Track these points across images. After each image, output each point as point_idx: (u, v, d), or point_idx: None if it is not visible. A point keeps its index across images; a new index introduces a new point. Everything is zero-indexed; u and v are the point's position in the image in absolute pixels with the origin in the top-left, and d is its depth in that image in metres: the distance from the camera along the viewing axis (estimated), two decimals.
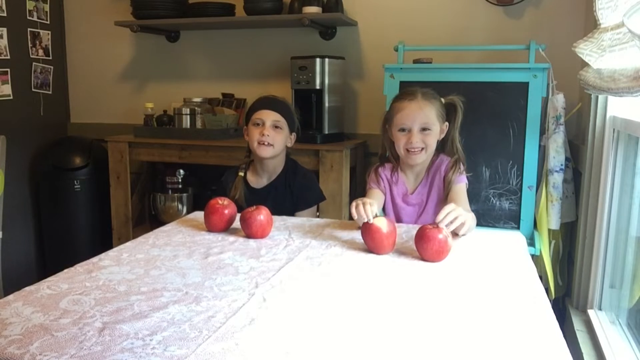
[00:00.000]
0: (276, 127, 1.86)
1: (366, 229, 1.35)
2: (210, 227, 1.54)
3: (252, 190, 1.92)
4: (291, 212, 1.88)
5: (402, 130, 1.66)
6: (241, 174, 1.93)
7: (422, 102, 1.67)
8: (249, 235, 1.47)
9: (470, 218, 1.42)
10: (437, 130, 1.68)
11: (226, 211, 1.52)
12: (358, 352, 0.86)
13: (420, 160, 1.68)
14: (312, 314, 1.00)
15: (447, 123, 1.73)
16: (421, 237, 1.30)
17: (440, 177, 1.70)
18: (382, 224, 1.33)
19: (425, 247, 1.29)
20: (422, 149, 1.66)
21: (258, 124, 1.86)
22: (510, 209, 2.19)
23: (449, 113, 1.74)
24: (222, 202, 1.54)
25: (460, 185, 1.68)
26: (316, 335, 0.91)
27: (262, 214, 1.47)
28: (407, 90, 1.74)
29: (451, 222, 1.34)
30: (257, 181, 1.96)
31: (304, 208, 1.92)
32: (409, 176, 1.75)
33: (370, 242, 1.35)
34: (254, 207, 1.49)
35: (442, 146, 1.77)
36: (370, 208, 1.35)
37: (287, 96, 2.31)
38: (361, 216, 1.35)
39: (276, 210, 1.78)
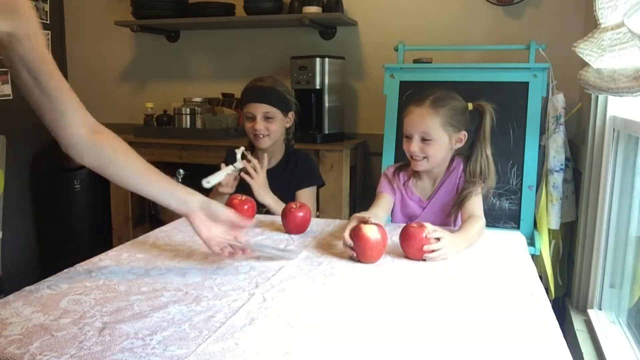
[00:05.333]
0: (267, 117, 1.87)
1: (354, 236, 1.29)
2: None
3: None
4: (293, 196, 1.89)
5: (406, 136, 1.59)
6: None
7: (426, 109, 1.55)
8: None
9: (461, 248, 1.37)
10: (444, 140, 1.56)
11: (245, 207, 1.58)
12: (358, 351, 0.86)
13: (421, 168, 1.60)
14: (312, 314, 1.00)
15: (464, 132, 1.59)
16: (404, 235, 1.31)
17: (455, 180, 1.62)
18: (371, 232, 1.28)
19: (408, 245, 1.30)
20: (424, 157, 1.57)
21: (250, 118, 1.89)
22: (510, 208, 2.19)
23: (475, 119, 1.61)
24: (241, 197, 1.60)
25: (478, 196, 1.58)
26: (316, 335, 0.91)
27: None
28: (424, 94, 1.61)
29: (433, 251, 1.29)
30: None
31: (304, 187, 1.91)
32: (425, 182, 1.67)
33: (359, 251, 1.29)
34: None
35: (468, 156, 1.62)
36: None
37: None
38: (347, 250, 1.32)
39: (278, 194, 1.81)
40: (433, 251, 1.29)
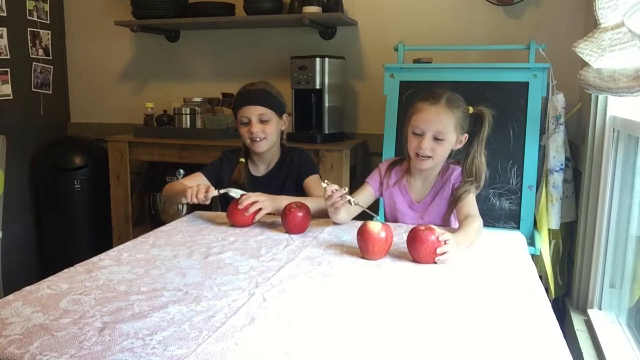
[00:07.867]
0: (263, 120, 1.84)
1: (361, 232, 1.33)
2: (235, 222, 1.62)
3: (253, 177, 1.93)
4: (291, 192, 1.87)
5: (416, 133, 1.58)
6: (242, 160, 1.94)
7: (442, 108, 1.55)
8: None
9: (463, 248, 1.38)
10: (452, 140, 1.58)
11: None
12: (358, 352, 0.86)
13: (426, 166, 1.60)
14: (312, 314, 1.00)
15: (466, 135, 1.61)
16: (414, 240, 1.29)
17: (450, 187, 1.63)
18: (377, 229, 1.31)
19: (418, 250, 1.29)
20: (430, 157, 1.57)
21: (245, 123, 1.85)
22: (510, 208, 2.19)
23: (474, 124, 1.63)
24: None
25: (471, 195, 1.60)
26: (316, 335, 0.91)
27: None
28: (433, 92, 1.60)
29: (442, 253, 1.29)
30: (256, 170, 1.96)
31: (308, 175, 1.89)
32: (418, 183, 1.68)
33: (363, 247, 1.33)
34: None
35: (466, 157, 1.64)
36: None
37: (287, 96, 2.30)
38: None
39: (277, 194, 1.78)
40: (443, 253, 1.28)
